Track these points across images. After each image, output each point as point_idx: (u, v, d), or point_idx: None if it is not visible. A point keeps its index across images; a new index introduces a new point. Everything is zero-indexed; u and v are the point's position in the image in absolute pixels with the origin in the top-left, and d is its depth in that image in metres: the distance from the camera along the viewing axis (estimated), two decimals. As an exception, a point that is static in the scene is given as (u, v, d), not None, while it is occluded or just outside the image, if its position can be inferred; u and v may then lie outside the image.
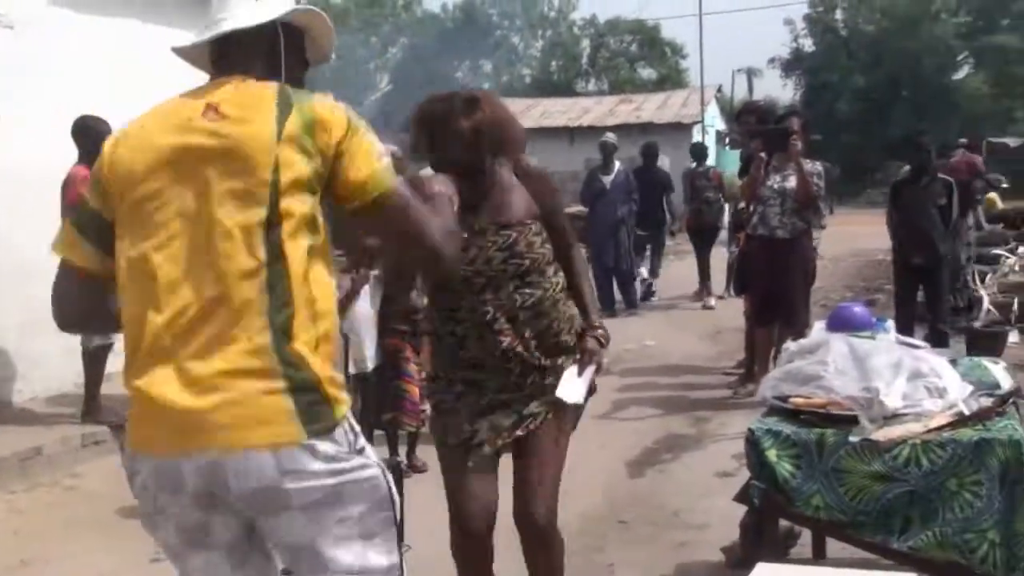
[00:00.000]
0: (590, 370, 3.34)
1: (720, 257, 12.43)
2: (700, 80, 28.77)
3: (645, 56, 55.65)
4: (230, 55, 2.37)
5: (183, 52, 2.47)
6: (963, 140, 23.01)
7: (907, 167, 8.16)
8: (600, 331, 3.40)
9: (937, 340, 7.24)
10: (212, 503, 2.18)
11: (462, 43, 50.01)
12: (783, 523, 3.95)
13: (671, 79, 49.50)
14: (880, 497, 3.28)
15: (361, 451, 2.24)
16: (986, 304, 9.63)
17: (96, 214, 2.29)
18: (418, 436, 5.91)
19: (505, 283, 3.25)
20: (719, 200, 12.88)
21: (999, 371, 3.74)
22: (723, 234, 12.64)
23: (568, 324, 3.37)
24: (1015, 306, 9.52)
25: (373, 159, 2.26)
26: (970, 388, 3.51)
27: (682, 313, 12.26)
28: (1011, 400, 3.56)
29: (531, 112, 26.76)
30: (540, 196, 3.35)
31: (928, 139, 7.98)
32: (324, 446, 2.14)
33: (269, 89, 2.27)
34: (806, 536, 4.24)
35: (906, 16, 43.56)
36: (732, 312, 10.40)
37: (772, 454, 3.39)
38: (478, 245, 3.23)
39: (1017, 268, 10.52)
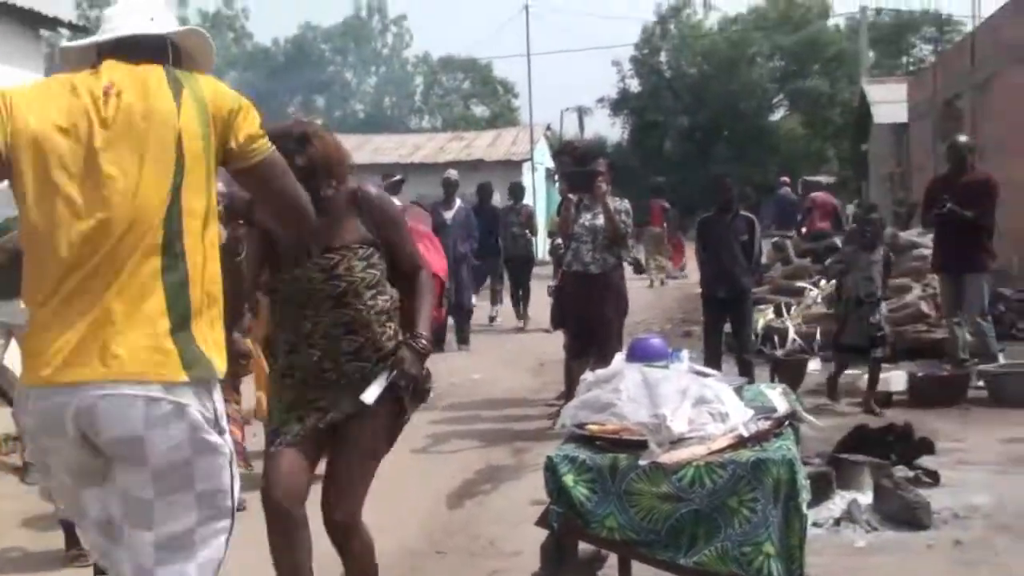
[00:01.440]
0: (392, 375, 3.60)
1: (543, 291, 12.80)
2: (529, 118, 29.38)
3: (478, 94, 56.48)
4: (117, 59, 2.59)
5: (67, 53, 2.73)
6: (784, 179, 24.28)
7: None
8: (422, 342, 3.66)
9: (743, 369, 7.64)
10: None
11: (294, 78, 49.60)
12: (590, 547, 4.12)
13: (503, 117, 50.37)
14: (668, 517, 3.48)
15: (221, 433, 2.52)
16: (791, 334, 10.18)
17: None
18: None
19: (323, 302, 3.57)
20: (524, 234, 14.11)
21: (776, 396, 4.01)
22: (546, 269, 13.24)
23: (384, 341, 3.63)
24: (818, 335, 10.09)
25: (255, 124, 2.63)
26: (751, 412, 3.76)
27: (512, 347, 12.49)
28: (787, 423, 3.84)
29: (364, 148, 26.76)
30: (376, 222, 3.65)
31: (730, 180, 8.42)
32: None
33: (156, 69, 2.54)
34: (613, 559, 4.45)
35: (725, 59, 45.57)
36: (557, 346, 10.67)
37: (569, 479, 3.55)
38: (304, 266, 3.57)
39: (819, 300, 11.14)
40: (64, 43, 2.84)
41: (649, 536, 3.51)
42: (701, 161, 42.35)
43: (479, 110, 55.44)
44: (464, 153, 26.87)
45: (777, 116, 49.01)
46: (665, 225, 20.79)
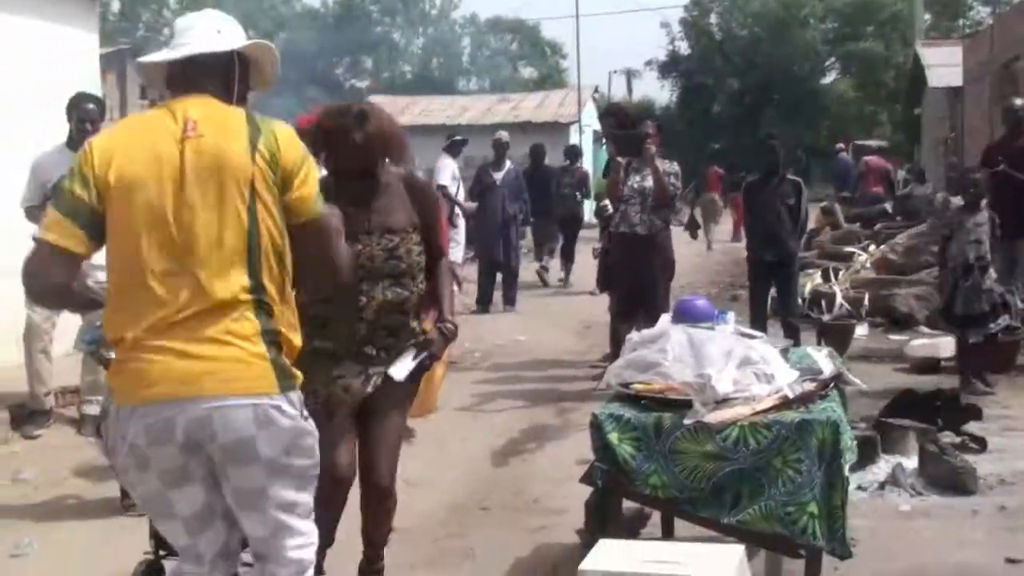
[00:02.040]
0: (421, 355, 3.80)
1: (588, 254, 12.87)
2: (578, 80, 29.19)
3: (525, 55, 56.17)
4: (188, 76, 2.81)
5: (143, 68, 2.91)
6: (840, 145, 24.04)
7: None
8: (449, 326, 3.86)
9: (789, 333, 7.63)
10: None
11: (342, 39, 49.59)
12: (634, 505, 4.17)
13: (552, 79, 50.07)
14: (712, 475, 3.52)
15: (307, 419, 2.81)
16: (839, 299, 10.12)
17: (87, 206, 2.68)
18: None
19: (381, 279, 3.72)
20: (575, 195, 14.33)
21: (823, 358, 4.02)
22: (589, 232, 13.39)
23: (418, 322, 3.86)
24: (865, 301, 10.03)
25: (315, 185, 2.81)
26: (796, 374, 3.78)
27: (557, 309, 12.52)
28: (832, 385, 3.85)
29: (411, 109, 26.77)
30: (421, 208, 3.85)
31: (778, 142, 8.35)
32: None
33: (238, 111, 2.77)
34: (656, 517, 4.51)
35: (777, 21, 44.91)
36: (602, 308, 10.69)
37: (614, 437, 3.60)
38: (364, 242, 3.68)
39: (868, 265, 11.06)
40: (140, 59, 2.97)
41: (692, 494, 3.56)
42: (750, 125, 41.86)
43: (527, 72, 55.16)
44: (511, 115, 26.79)
45: (829, 79, 48.32)
46: (722, 190, 21.17)
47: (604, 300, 11.63)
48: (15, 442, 6.49)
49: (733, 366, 3.66)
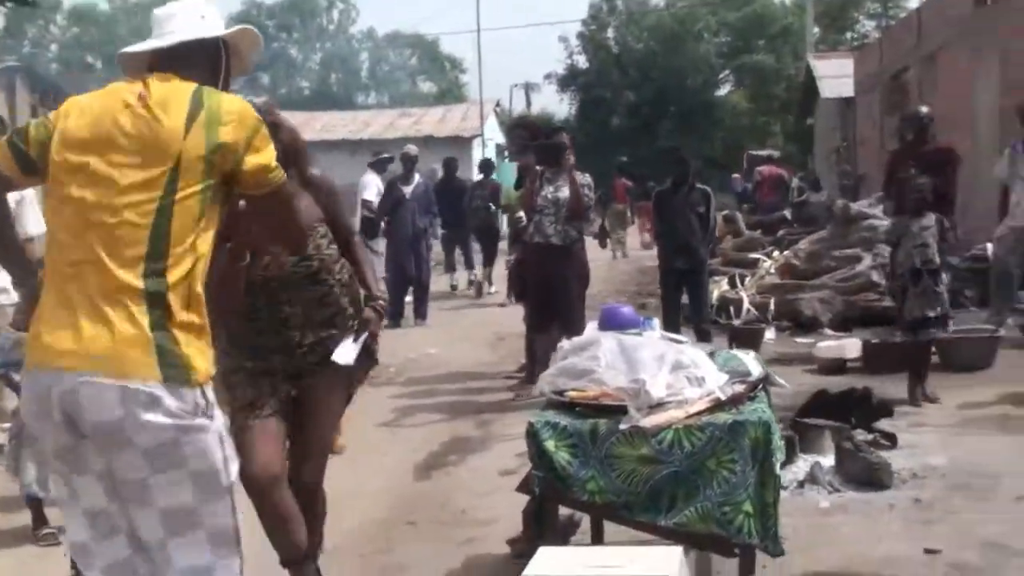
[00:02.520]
0: (362, 336, 3.82)
1: (501, 265, 12.99)
2: (479, 94, 29.32)
3: (425, 70, 56.23)
4: (174, 64, 2.74)
5: (124, 58, 2.84)
6: (735, 175, 24.64)
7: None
8: (380, 302, 3.92)
9: (701, 338, 7.76)
10: None
11: (238, 54, 48.82)
12: (564, 512, 4.19)
13: (452, 93, 50.27)
14: (648, 479, 3.56)
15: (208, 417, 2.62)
16: (746, 304, 10.34)
17: (34, 140, 2.69)
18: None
19: (299, 283, 3.71)
20: (487, 207, 14.54)
21: (751, 361, 4.10)
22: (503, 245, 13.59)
23: (351, 306, 3.87)
24: (771, 305, 10.26)
25: (271, 156, 2.74)
26: (726, 377, 3.84)
27: (468, 322, 12.53)
28: (760, 386, 3.93)
29: (311, 125, 26.59)
30: (325, 200, 3.83)
31: (686, 152, 8.51)
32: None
33: (188, 88, 2.67)
34: (586, 523, 4.53)
35: (672, 35, 45.82)
36: (514, 318, 10.74)
37: (551, 444, 3.61)
38: (271, 252, 3.61)
39: (772, 271, 11.32)
40: (124, 49, 2.90)
41: (630, 498, 3.59)
42: (648, 136, 42.56)
43: (426, 86, 55.30)
44: (413, 129, 26.82)
45: (723, 91, 49.40)
46: (628, 201, 21.62)
47: (515, 311, 11.71)
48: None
49: (666, 371, 3.71)
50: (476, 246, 15.20)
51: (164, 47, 2.78)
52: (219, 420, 2.67)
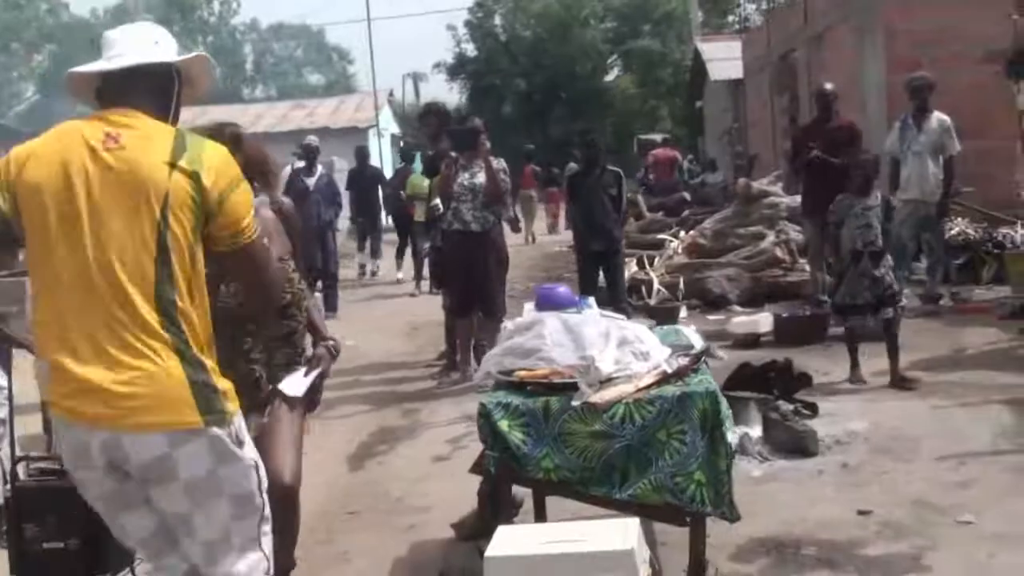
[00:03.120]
0: (314, 372, 3.76)
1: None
2: (373, 84, 29.10)
3: (312, 61, 55.52)
4: (123, 89, 2.65)
5: (72, 79, 2.71)
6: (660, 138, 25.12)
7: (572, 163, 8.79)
8: (332, 343, 3.86)
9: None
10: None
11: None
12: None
13: (339, 84, 49.73)
14: (602, 454, 3.61)
15: (241, 445, 2.67)
16: (656, 284, 10.51)
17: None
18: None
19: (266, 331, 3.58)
20: (398, 195, 14.58)
21: (691, 334, 4.19)
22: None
23: (304, 345, 3.82)
24: (681, 285, 10.45)
25: (247, 212, 2.66)
26: (668, 350, 3.92)
27: (381, 312, 12.46)
28: (702, 358, 4.02)
29: (202, 119, 25.84)
30: (292, 233, 3.76)
31: (597, 136, 8.62)
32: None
33: (166, 127, 2.63)
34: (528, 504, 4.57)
35: (559, 22, 46.02)
36: (426, 307, 10.73)
37: (504, 424, 3.63)
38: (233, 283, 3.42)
39: (679, 251, 11.52)
40: (71, 69, 2.76)
41: (584, 474, 3.63)
42: (540, 123, 42.81)
43: (314, 78, 54.61)
44: (307, 121, 26.50)
45: (611, 77, 49.88)
46: (536, 187, 22.47)
47: (426, 300, 11.73)
48: None
49: (612, 346, 3.77)
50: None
51: (115, 70, 2.67)
52: (252, 449, 2.73)
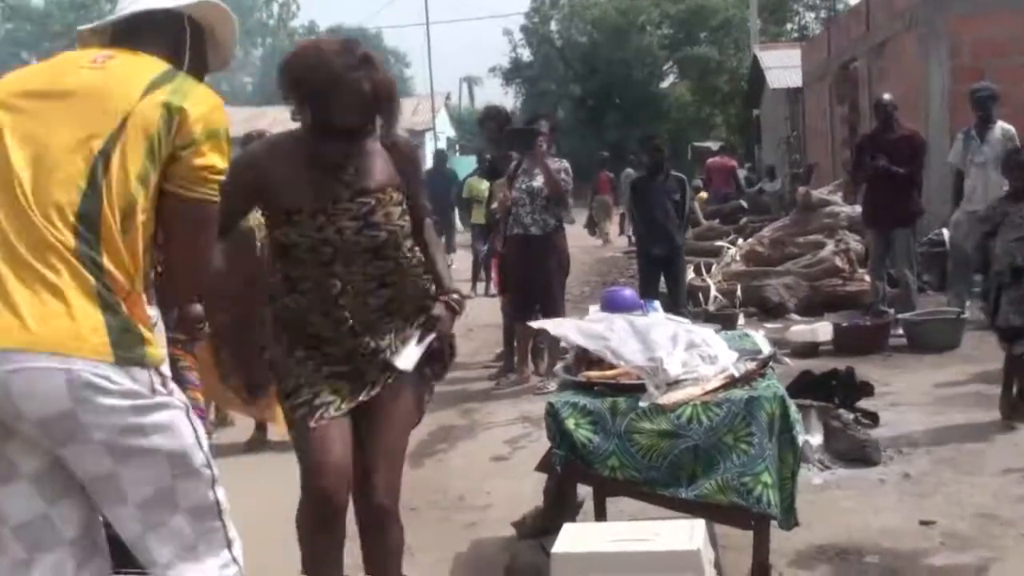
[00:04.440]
0: (428, 337, 3.23)
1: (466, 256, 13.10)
2: (430, 88, 29.30)
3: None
4: (132, 39, 2.49)
5: (83, 35, 2.57)
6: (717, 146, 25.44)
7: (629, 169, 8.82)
8: (454, 296, 3.31)
9: (679, 323, 7.88)
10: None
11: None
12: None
13: (397, 87, 50.00)
14: (668, 453, 3.63)
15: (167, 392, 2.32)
16: (713, 291, 10.49)
17: None
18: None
19: (357, 256, 3.08)
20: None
21: (760, 339, 4.20)
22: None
23: (420, 298, 3.26)
24: (738, 292, 10.43)
25: (219, 168, 2.39)
26: (736, 354, 3.94)
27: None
28: (769, 363, 4.03)
29: (260, 120, 26.26)
30: (404, 165, 3.20)
31: (661, 141, 8.63)
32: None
33: (163, 64, 2.43)
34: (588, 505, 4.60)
35: (615, 28, 45.98)
36: (480, 309, 10.79)
37: (571, 422, 3.67)
38: (331, 213, 3.04)
39: (737, 258, 11.49)
40: (81, 27, 2.64)
41: (650, 473, 3.65)
42: (593, 129, 42.76)
43: (370, 81, 55.01)
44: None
45: (667, 83, 49.73)
46: (611, 193, 23.12)
47: (483, 302, 11.79)
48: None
49: (680, 349, 3.79)
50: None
51: (122, 18, 2.51)
52: (180, 395, 2.37)
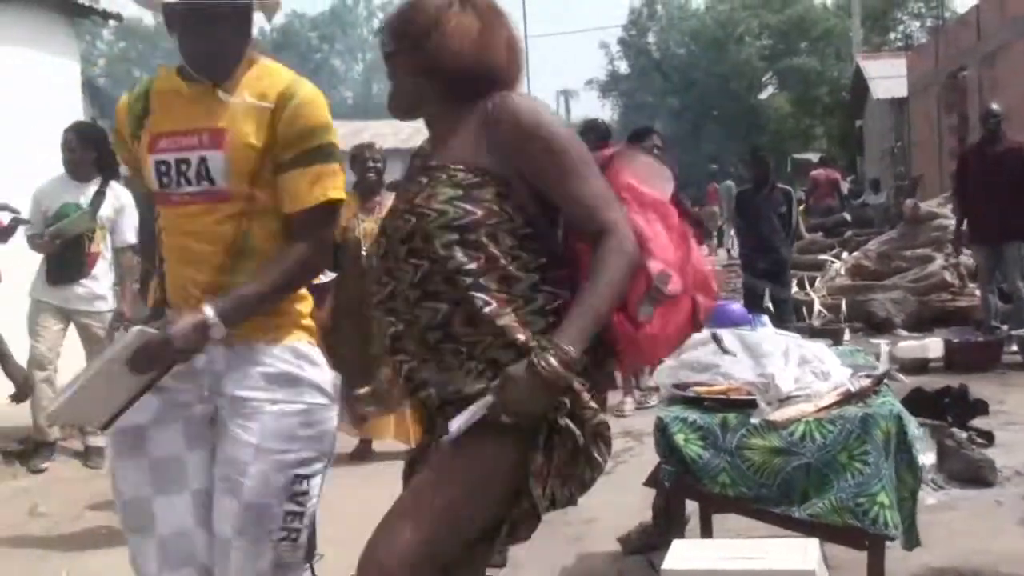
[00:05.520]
0: (484, 404, 2.16)
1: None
2: (527, 101, 29.39)
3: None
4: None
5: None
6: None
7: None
8: (550, 359, 2.10)
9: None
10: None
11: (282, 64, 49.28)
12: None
13: (493, 101, 50.38)
14: (780, 471, 3.56)
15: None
16: (817, 306, 10.32)
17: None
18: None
19: (396, 248, 2.30)
20: None
21: (879, 354, 4.12)
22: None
23: (493, 343, 2.21)
24: (843, 307, 10.24)
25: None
26: (849, 371, 3.86)
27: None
28: (884, 380, 3.94)
29: (361, 134, 26.64)
30: (515, 145, 2.24)
31: (767, 153, 8.54)
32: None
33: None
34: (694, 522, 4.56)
35: (713, 40, 45.63)
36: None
37: (680, 438, 3.64)
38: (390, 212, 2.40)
39: (843, 272, 11.28)
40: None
41: (761, 491, 3.60)
42: (692, 141, 42.46)
43: (468, 94, 55.51)
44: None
45: (765, 95, 49.14)
46: (719, 203, 23.97)
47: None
48: (23, 476, 6.39)
49: (792, 365, 3.74)
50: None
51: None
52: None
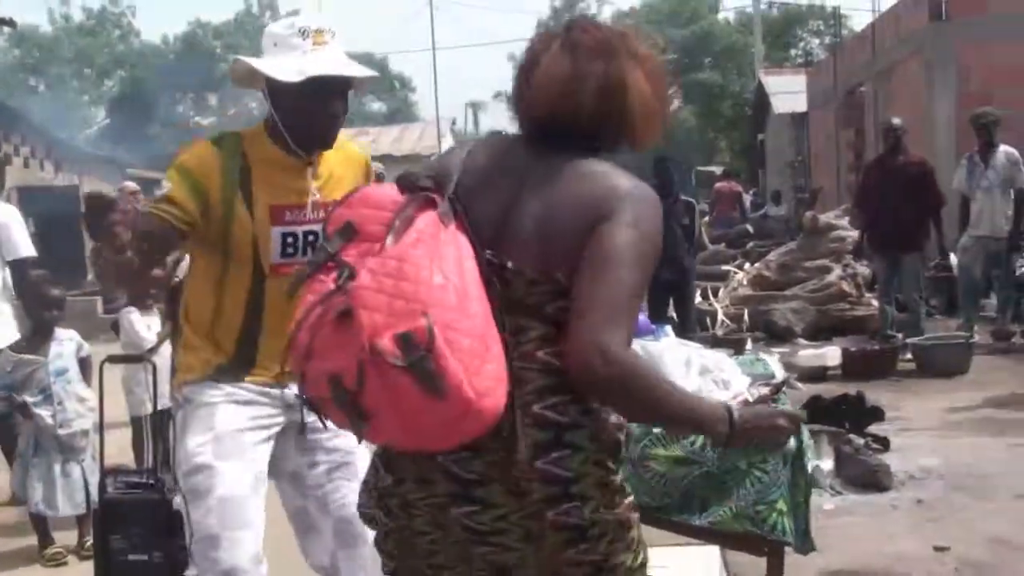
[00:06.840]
0: None
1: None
2: (436, 113, 29.44)
3: (373, 89, 56.07)
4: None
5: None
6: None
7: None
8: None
9: (687, 348, 7.86)
10: None
11: (185, 75, 48.53)
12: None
13: (401, 112, 50.22)
14: (682, 479, 3.60)
15: None
16: (720, 316, 10.48)
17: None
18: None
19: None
20: None
21: (773, 363, 4.19)
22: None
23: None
24: (745, 316, 10.42)
25: None
26: (749, 379, 3.92)
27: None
28: (782, 388, 4.01)
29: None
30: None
31: (671, 164, 8.64)
32: None
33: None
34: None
35: (619, 53, 46.09)
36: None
37: (584, 449, 3.65)
38: None
39: (744, 283, 11.48)
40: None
41: (664, 500, 3.63)
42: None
43: (376, 105, 55.16)
44: (371, 148, 26.64)
45: (671, 108, 49.71)
46: None
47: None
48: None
49: (694, 374, 3.77)
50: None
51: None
52: None
